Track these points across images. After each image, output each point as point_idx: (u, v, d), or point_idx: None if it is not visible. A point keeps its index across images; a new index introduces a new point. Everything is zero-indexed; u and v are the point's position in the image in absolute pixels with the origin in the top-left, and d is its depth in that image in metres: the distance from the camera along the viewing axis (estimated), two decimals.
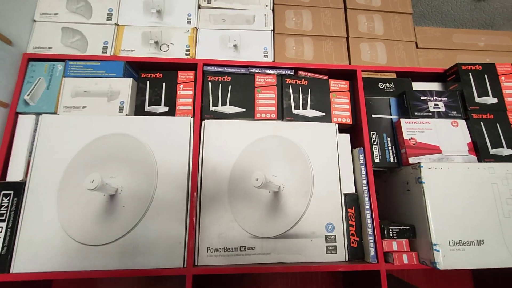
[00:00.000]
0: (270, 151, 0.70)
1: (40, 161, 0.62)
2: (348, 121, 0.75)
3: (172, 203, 0.63)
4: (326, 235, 0.66)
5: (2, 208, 0.59)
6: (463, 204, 0.61)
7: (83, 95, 0.68)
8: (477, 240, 0.59)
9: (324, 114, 0.75)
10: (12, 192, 0.60)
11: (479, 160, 0.68)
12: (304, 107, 0.74)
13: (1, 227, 0.58)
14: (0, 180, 0.61)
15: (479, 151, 0.68)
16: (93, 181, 0.57)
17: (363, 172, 0.69)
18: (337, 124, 0.74)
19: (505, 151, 0.68)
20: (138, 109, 0.71)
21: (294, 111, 0.73)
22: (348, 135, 0.75)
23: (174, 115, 0.70)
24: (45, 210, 0.60)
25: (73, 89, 0.68)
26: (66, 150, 0.64)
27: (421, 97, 0.73)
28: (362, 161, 0.70)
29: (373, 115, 0.75)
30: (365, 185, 0.68)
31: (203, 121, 0.71)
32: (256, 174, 0.63)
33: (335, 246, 0.66)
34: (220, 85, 0.73)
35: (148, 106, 0.71)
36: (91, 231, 0.60)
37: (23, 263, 0.57)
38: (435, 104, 0.72)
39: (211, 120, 0.71)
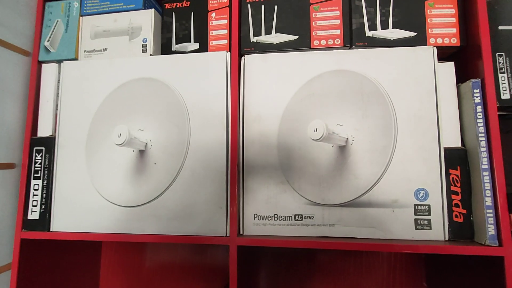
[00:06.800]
0: (334, 92, 0.51)
1: (66, 114, 0.56)
2: (454, 41, 0.50)
3: (209, 159, 0.51)
4: (415, 205, 0.48)
5: (36, 165, 0.55)
6: None
7: (102, 35, 0.57)
8: None
9: (414, 34, 0.51)
10: (43, 148, 0.55)
11: None
12: (384, 26, 0.51)
13: (38, 184, 0.54)
14: (32, 136, 0.57)
15: None
16: (120, 134, 0.48)
17: (479, 115, 0.46)
18: (435, 48, 0.50)
19: None
20: (165, 49, 0.58)
21: (368, 33, 0.51)
22: (452, 63, 0.50)
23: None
24: (76, 167, 0.54)
25: (91, 29, 0.58)
26: (91, 100, 0.55)
27: None
28: (478, 100, 0.46)
29: (499, 27, 0.48)
30: (482, 135, 0.45)
31: (243, 57, 0.54)
32: (314, 123, 0.46)
33: (429, 219, 0.47)
34: (263, 6, 0.55)
35: (176, 44, 0.58)
36: (123, 191, 0.53)
37: (61, 222, 0.54)
38: None
39: (253, 55, 0.54)
